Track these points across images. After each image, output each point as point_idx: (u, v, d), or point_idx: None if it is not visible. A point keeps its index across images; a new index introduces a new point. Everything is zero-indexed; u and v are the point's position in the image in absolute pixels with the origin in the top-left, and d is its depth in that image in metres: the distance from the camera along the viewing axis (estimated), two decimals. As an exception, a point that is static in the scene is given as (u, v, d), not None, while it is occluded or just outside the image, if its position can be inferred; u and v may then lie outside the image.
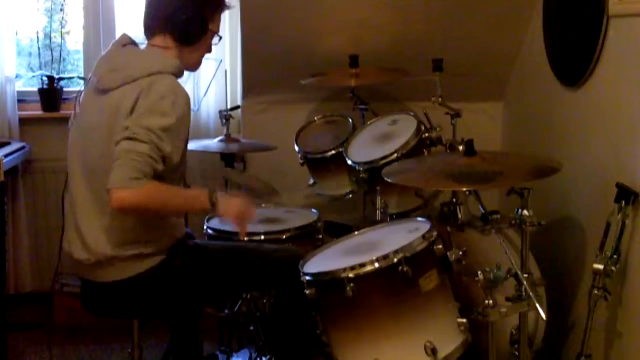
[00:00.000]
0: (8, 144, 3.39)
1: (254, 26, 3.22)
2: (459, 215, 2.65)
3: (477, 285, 1.94)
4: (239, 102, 3.58)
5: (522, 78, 3.38)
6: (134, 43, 2.26)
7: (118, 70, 2.14)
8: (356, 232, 2.36)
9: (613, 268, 2.11)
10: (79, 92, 2.30)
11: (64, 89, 3.74)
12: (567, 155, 2.65)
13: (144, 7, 2.27)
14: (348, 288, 1.94)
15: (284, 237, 2.59)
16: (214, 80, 3.47)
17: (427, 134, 2.64)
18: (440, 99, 2.69)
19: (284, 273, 2.27)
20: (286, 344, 2.36)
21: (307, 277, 2.07)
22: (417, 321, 1.96)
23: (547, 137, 3.01)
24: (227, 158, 3.14)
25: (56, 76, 3.72)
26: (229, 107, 3.28)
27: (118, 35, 2.36)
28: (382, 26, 3.22)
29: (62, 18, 3.79)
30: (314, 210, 2.86)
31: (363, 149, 2.76)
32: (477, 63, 3.32)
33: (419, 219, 2.26)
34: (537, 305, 1.97)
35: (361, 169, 2.65)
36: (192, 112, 2.19)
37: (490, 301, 1.94)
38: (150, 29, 2.24)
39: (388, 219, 2.62)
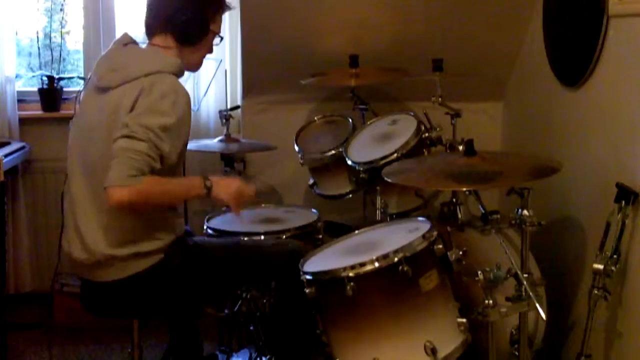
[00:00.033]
0: (8, 144, 3.39)
1: (254, 26, 3.22)
2: (459, 215, 2.65)
3: (477, 285, 1.94)
4: (239, 102, 3.58)
5: (522, 78, 3.37)
6: (134, 42, 2.26)
7: (118, 69, 2.14)
8: (356, 232, 2.35)
9: (613, 268, 2.11)
10: (79, 91, 2.30)
11: (64, 89, 3.74)
12: (567, 155, 2.65)
13: (144, 7, 2.27)
14: (348, 287, 1.94)
15: (284, 237, 2.59)
16: (214, 80, 3.47)
17: (427, 134, 2.64)
18: (440, 99, 2.68)
19: (283, 265, 2.27)
20: (286, 343, 2.36)
21: (307, 277, 2.07)
22: (417, 321, 1.96)
23: (547, 137, 3.01)
24: (227, 158, 3.14)
25: (56, 76, 3.71)
26: (229, 107, 3.28)
27: (118, 35, 2.36)
28: (382, 26, 3.21)
29: (62, 18, 3.78)
30: (314, 210, 2.86)
31: (363, 149, 2.76)
32: (477, 63, 3.31)
33: (419, 218, 2.26)
34: (537, 305, 1.97)
35: (361, 169, 2.64)
36: (192, 112, 2.18)
37: (490, 301, 1.94)
38: (151, 29, 2.24)
39: (388, 219, 2.62)
